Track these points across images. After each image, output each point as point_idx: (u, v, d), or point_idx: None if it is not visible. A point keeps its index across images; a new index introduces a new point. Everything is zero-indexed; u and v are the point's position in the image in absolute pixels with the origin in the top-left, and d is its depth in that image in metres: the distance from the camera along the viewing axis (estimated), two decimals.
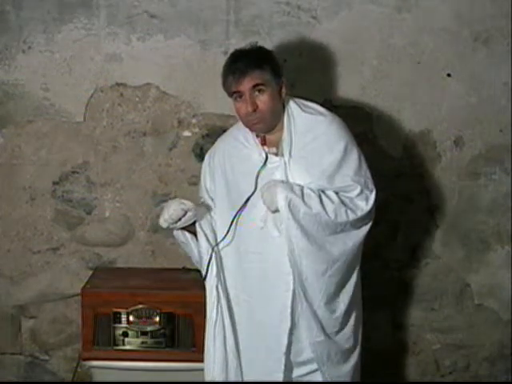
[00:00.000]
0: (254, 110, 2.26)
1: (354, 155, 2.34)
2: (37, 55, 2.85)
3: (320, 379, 2.41)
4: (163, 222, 2.37)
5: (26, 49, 2.84)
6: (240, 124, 2.44)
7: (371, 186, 2.37)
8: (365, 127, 2.87)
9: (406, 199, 2.99)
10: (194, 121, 2.92)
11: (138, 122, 2.92)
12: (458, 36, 2.89)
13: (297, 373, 2.42)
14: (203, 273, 2.43)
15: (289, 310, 2.32)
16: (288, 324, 2.33)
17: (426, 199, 3.02)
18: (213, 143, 2.87)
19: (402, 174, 2.97)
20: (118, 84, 2.88)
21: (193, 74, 2.88)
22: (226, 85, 2.31)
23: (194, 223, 2.40)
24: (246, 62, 2.26)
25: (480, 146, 2.99)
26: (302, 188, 2.29)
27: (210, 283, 2.41)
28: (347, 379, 2.44)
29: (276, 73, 2.29)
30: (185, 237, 2.45)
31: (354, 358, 2.46)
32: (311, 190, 2.29)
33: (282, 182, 2.30)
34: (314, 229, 2.28)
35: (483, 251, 3.08)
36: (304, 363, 2.41)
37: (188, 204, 2.34)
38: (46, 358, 3.10)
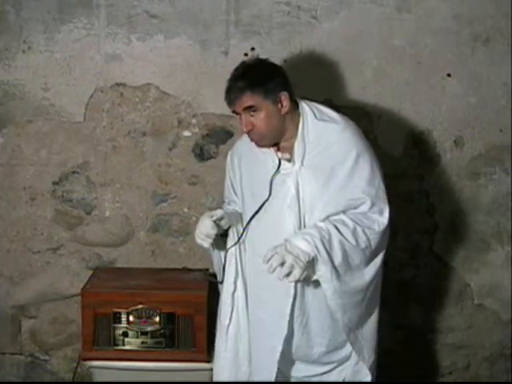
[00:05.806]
0: (251, 130, 2.26)
1: (366, 164, 2.28)
2: (37, 55, 2.85)
3: (330, 379, 2.42)
4: (201, 241, 2.32)
5: (25, 49, 2.84)
6: None
7: (384, 195, 2.30)
8: (365, 127, 2.84)
9: (406, 199, 2.99)
10: (193, 121, 2.92)
11: (138, 122, 2.92)
12: (457, 36, 2.89)
13: (305, 373, 2.43)
14: (219, 277, 2.45)
15: (287, 318, 2.30)
16: (284, 332, 2.31)
17: (426, 199, 3.02)
18: (213, 143, 2.89)
19: (402, 174, 2.97)
20: (117, 84, 2.88)
21: (193, 74, 2.88)
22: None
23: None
24: (238, 86, 2.23)
25: (480, 146, 2.99)
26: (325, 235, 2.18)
27: (227, 289, 2.40)
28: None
29: (271, 91, 2.23)
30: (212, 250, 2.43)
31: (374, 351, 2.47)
32: (322, 225, 2.21)
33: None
34: (343, 264, 2.21)
35: (483, 251, 3.08)
36: (314, 363, 2.41)
37: (218, 213, 2.33)
38: (46, 357, 3.10)
